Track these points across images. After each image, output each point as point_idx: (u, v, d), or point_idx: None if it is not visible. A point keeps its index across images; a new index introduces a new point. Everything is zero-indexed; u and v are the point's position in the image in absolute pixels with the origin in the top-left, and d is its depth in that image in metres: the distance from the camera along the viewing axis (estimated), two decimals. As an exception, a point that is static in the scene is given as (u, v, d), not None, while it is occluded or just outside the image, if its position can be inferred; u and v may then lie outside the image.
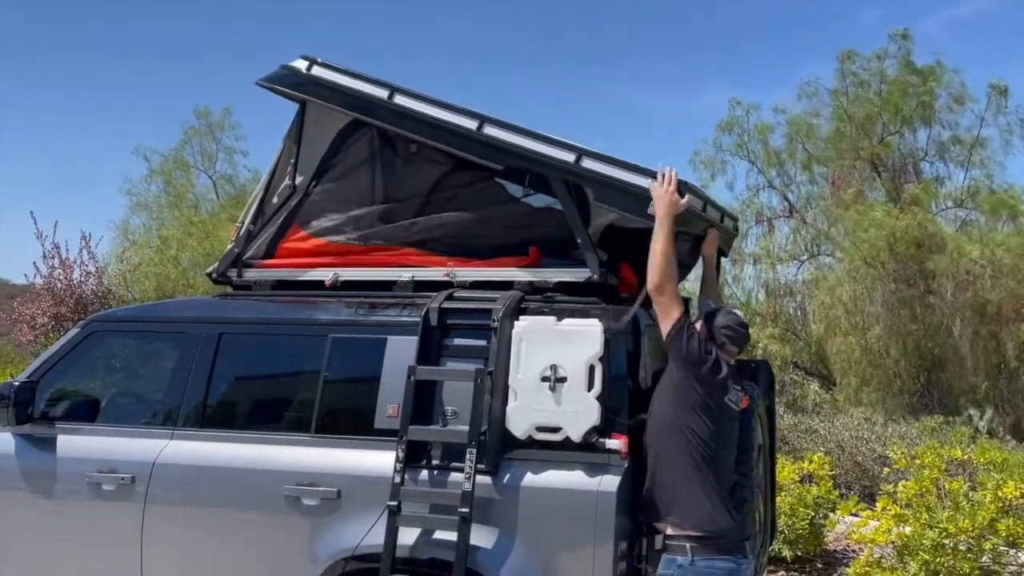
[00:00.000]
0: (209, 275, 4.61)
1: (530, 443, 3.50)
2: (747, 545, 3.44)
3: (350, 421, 3.84)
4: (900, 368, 12.40)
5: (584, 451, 3.43)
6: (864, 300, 12.72)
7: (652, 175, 3.66)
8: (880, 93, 14.91)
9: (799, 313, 15.80)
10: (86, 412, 4.30)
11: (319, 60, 4.36)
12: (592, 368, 3.47)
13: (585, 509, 3.35)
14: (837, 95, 15.49)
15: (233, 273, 4.49)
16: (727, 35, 34.43)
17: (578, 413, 3.43)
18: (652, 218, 3.59)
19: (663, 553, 3.37)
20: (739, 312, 3.78)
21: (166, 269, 18.54)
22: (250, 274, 4.46)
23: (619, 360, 3.55)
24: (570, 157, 3.82)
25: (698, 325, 3.63)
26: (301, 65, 4.37)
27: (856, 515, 7.02)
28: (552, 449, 3.47)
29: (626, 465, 3.41)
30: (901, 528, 6.03)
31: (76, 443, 4.17)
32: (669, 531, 3.37)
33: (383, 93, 4.17)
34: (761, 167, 16.34)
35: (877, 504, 6.43)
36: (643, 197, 3.65)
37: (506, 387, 3.54)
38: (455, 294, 3.89)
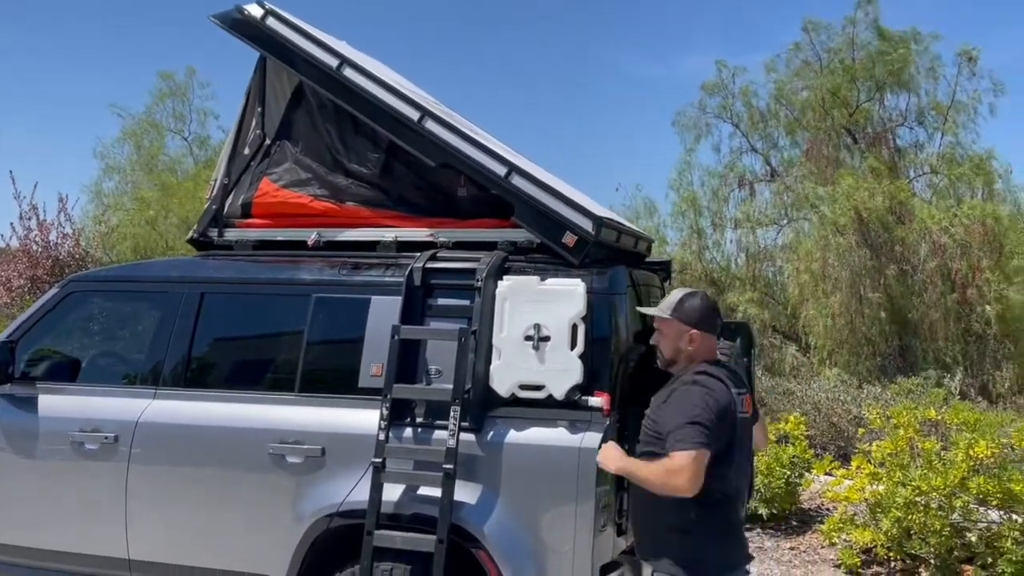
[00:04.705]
0: (190, 240, 4.58)
1: (514, 401, 3.53)
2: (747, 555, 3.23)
3: (334, 380, 3.85)
4: (872, 333, 12.59)
5: (567, 408, 3.47)
6: (836, 268, 12.86)
7: (574, 205, 3.72)
8: (852, 60, 14.92)
9: (777, 277, 15.93)
10: (67, 372, 4.29)
11: (274, 10, 4.25)
12: (575, 327, 3.49)
13: (568, 465, 3.40)
14: (809, 64, 15.50)
15: (213, 233, 4.46)
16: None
17: (561, 371, 3.47)
18: (564, 247, 3.69)
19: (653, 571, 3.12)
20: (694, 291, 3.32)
21: (144, 231, 18.36)
22: (231, 234, 4.43)
23: (602, 319, 3.58)
24: (501, 171, 3.81)
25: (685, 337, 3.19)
26: (256, 12, 4.26)
27: (831, 474, 7.17)
28: (535, 407, 3.51)
29: (608, 422, 3.46)
30: (875, 486, 6.17)
31: (58, 403, 4.16)
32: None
33: (332, 62, 4.09)
34: (744, 130, 16.35)
35: (852, 463, 6.57)
36: (560, 224, 3.69)
37: (490, 346, 3.56)
38: (438, 254, 3.90)
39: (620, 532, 3.57)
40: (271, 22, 4.22)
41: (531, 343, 3.50)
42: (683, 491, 2.89)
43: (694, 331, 3.14)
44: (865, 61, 14.54)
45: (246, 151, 4.44)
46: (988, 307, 12.51)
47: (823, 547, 6.69)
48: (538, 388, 3.49)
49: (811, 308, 12.98)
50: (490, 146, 3.95)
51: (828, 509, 7.46)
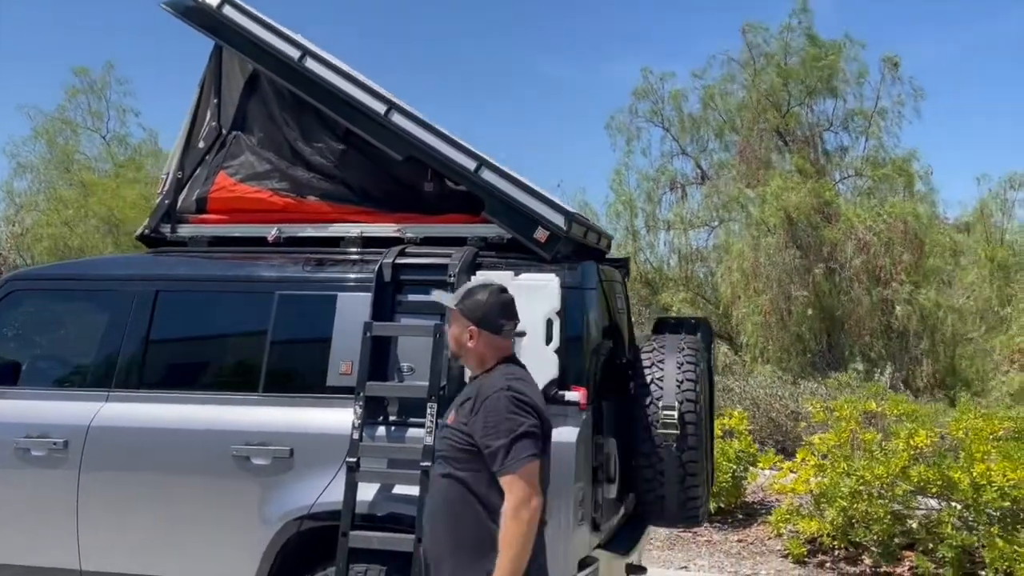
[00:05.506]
0: (140, 237, 4.40)
1: (489, 397, 3.48)
2: None
3: (301, 379, 3.75)
4: (802, 330, 12.99)
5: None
6: (766, 267, 13.23)
7: (546, 200, 3.71)
8: (785, 65, 15.39)
9: (708, 278, 16.30)
10: (9, 375, 4.06)
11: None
12: (550, 322, 3.48)
13: None
14: (745, 67, 15.93)
15: (166, 229, 4.30)
16: (633, 5, 34.85)
17: (537, 366, 3.42)
18: (537, 242, 3.65)
19: None
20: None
21: (61, 231, 17.61)
22: (184, 230, 4.28)
23: (575, 314, 3.58)
24: (471, 165, 3.78)
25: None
26: (212, 0, 4.14)
27: (776, 468, 7.34)
28: None
29: (584, 416, 3.45)
30: (819, 478, 6.35)
31: (5, 407, 3.94)
32: None
33: (294, 53, 4.01)
34: (675, 134, 16.68)
35: (797, 455, 6.75)
36: (532, 219, 3.67)
37: (464, 341, 3.51)
38: (407, 250, 3.83)
39: (595, 527, 3.57)
40: (228, 11, 4.09)
41: (507, 338, 3.47)
42: (539, 510, 2.61)
43: (473, 328, 2.83)
44: (797, 67, 15.02)
45: (201, 144, 4.30)
46: (898, 307, 13.05)
47: (770, 538, 6.86)
48: (514, 384, 3.45)
49: (742, 307, 13.31)
50: (458, 140, 3.91)
51: (771, 502, 7.65)
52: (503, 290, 2.92)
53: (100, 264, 4.66)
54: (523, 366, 2.95)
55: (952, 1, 31.86)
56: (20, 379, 4.09)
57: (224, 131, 4.28)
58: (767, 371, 11.77)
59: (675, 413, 3.74)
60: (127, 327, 3.92)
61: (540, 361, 3.43)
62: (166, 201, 4.29)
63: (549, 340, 3.46)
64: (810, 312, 12.54)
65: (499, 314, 2.85)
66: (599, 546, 3.63)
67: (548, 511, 3.30)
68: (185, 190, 4.29)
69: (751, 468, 7.40)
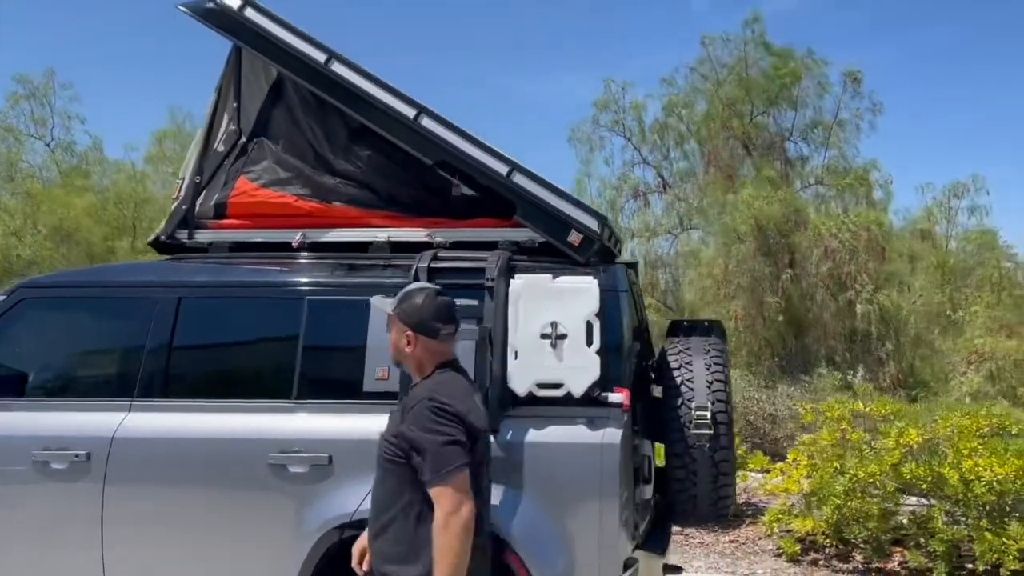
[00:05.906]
0: (152, 242, 4.30)
1: (531, 400, 3.49)
2: None
3: (336, 385, 3.70)
4: (771, 335, 13.27)
5: (586, 406, 3.47)
6: (737, 274, 13.49)
7: (578, 203, 3.77)
8: (747, 75, 15.75)
9: (672, 284, 16.54)
10: (24, 386, 3.92)
11: (253, 1, 4.09)
12: (590, 324, 3.50)
13: (590, 462, 3.40)
14: (708, 78, 16.24)
15: (183, 234, 4.21)
16: (580, 17, 35.33)
17: (580, 368, 3.46)
18: (570, 246, 3.70)
19: None
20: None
21: (9, 241, 17.01)
22: (203, 235, 4.20)
23: (612, 316, 3.62)
24: (503, 169, 3.81)
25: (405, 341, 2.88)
26: (233, 2, 4.08)
27: (764, 471, 7.48)
28: (553, 405, 3.49)
29: (626, 418, 3.48)
30: (810, 478, 6.50)
31: (16, 419, 3.80)
32: None
33: (320, 56, 3.99)
34: (636, 143, 16.92)
35: (789, 456, 6.90)
36: (565, 223, 3.72)
37: (504, 345, 3.52)
38: (439, 254, 3.82)
39: (634, 528, 3.60)
40: (250, 13, 4.04)
41: (548, 341, 3.49)
42: (470, 518, 2.61)
43: (410, 333, 2.83)
44: (759, 77, 15.38)
45: (220, 148, 4.22)
46: (859, 307, 13.44)
47: (760, 538, 6.98)
48: (556, 386, 3.48)
49: (711, 313, 13.53)
50: (489, 144, 3.91)
51: (757, 503, 7.79)
52: (440, 293, 2.91)
53: (114, 271, 4.54)
54: (462, 371, 2.95)
55: (891, 10, 33.09)
56: (34, 390, 3.97)
57: (244, 135, 4.22)
58: (735, 375, 11.99)
59: (708, 414, 3.80)
60: (149, 335, 3.82)
61: (582, 363, 3.47)
62: (183, 206, 4.20)
63: (590, 342, 3.49)
64: (780, 318, 12.81)
65: (434, 318, 2.83)
66: (637, 547, 3.66)
67: (596, 511, 3.36)
68: (203, 195, 4.21)
69: (740, 470, 7.51)
